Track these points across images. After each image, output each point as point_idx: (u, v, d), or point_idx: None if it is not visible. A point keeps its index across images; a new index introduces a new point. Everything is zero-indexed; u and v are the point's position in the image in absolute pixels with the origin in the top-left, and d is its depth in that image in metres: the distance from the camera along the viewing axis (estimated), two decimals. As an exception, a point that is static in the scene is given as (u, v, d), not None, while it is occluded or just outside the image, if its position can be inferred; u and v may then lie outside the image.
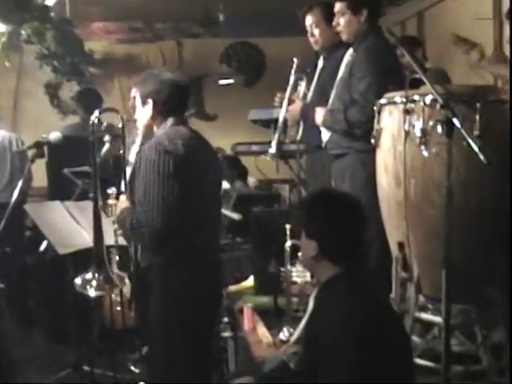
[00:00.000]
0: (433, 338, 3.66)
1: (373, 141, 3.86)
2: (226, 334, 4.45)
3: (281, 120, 4.91)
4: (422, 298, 3.77)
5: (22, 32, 6.31)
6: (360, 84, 4.27)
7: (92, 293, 3.57)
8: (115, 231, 3.63)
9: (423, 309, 3.78)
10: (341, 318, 2.58)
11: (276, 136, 4.94)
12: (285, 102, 4.87)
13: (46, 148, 5.19)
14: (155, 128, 3.47)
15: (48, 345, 5.46)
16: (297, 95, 4.96)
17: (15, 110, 8.79)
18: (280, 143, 5.86)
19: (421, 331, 3.79)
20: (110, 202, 3.59)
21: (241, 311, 4.75)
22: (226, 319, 4.55)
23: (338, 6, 4.43)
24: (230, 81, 9.22)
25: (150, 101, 3.44)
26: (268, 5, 7.94)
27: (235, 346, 4.42)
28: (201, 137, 3.50)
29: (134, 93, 3.54)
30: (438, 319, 3.56)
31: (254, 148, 7.40)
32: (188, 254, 3.35)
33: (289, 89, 4.93)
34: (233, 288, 5.41)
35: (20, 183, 4.50)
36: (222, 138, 8.58)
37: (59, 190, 5.54)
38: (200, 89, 9.33)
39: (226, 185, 7.23)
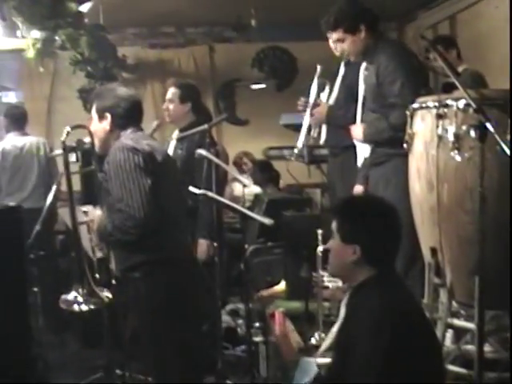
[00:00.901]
0: (465, 344, 3.63)
1: (405, 145, 3.84)
2: (258, 338, 4.46)
3: (305, 125, 4.92)
4: (454, 304, 3.74)
5: (57, 38, 6.37)
6: (393, 87, 4.26)
7: (83, 308, 3.58)
8: (93, 248, 3.70)
9: (455, 315, 3.76)
10: (373, 322, 2.58)
11: (301, 139, 4.93)
12: (309, 107, 4.87)
13: (79, 153, 5.23)
14: (112, 141, 3.56)
15: (80, 348, 5.51)
16: (320, 100, 4.96)
17: (49, 115, 8.88)
18: (310, 148, 5.87)
19: (453, 337, 3.76)
20: (85, 219, 3.66)
21: (272, 316, 4.75)
22: (257, 324, 4.56)
23: (335, 36, 4.46)
24: (262, 85, 9.23)
25: (108, 115, 3.56)
26: (299, 10, 7.93)
27: (266, 351, 4.43)
28: (154, 138, 3.72)
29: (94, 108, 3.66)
30: (470, 325, 3.53)
31: (286, 152, 7.39)
32: (170, 249, 3.46)
33: (313, 93, 4.93)
34: (264, 293, 5.41)
35: (54, 188, 4.54)
36: (253, 143, 8.61)
37: (92, 194, 5.57)
38: (232, 93, 9.36)
39: (257, 189, 7.24)
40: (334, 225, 2.83)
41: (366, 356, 2.54)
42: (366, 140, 4.48)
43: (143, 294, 3.46)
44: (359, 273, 2.76)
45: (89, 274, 3.55)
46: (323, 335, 4.24)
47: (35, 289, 4.49)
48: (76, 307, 3.54)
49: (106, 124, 3.57)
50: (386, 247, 2.80)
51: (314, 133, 4.98)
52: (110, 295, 3.63)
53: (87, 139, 3.99)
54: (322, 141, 4.90)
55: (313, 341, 4.33)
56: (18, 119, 6.70)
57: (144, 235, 3.33)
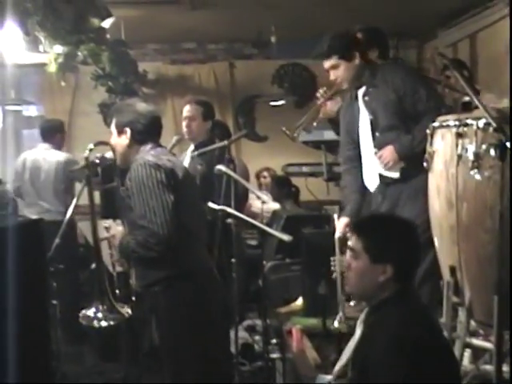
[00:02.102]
0: (484, 364, 3.61)
1: (425, 164, 3.85)
2: (275, 355, 4.45)
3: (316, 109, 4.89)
4: (472, 323, 3.73)
5: (79, 53, 6.43)
6: (419, 94, 4.34)
7: (103, 324, 3.60)
8: (113, 263, 3.73)
9: (474, 334, 3.74)
10: (393, 344, 2.56)
11: None
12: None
13: (99, 168, 5.27)
14: (132, 155, 3.60)
15: (98, 362, 5.53)
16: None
17: (70, 129, 8.93)
18: (329, 165, 5.88)
19: (471, 357, 3.74)
20: (106, 234, 3.69)
21: (289, 332, 4.75)
22: (274, 340, 4.56)
23: (329, 63, 4.55)
24: (282, 102, 9.25)
25: (128, 130, 3.59)
26: (319, 27, 7.96)
27: (283, 368, 4.42)
28: (175, 155, 3.75)
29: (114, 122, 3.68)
30: (489, 345, 3.51)
31: (305, 169, 7.41)
32: (190, 264, 3.48)
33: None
34: (282, 309, 5.41)
35: (74, 201, 4.57)
36: (272, 159, 8.61)
37: (112, 208, 5.61)
38: (252, 110, 9.38)
39: (275, 205, 7.24)
40: (358, 244, 2.77)
41: (386, 377, 2.53)
42: (403, 158, 4.45)
43: (163, 308, 3.48)
44: (382, 292, 2.74)
45: (109, 290, 3.56)
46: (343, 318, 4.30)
47: (54, 302, 4.51)
48: (96, 323, 3.56)
49: (125, 139, 3.61)
50: (414, 264, 2.80)
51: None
52: (129, 311, 3.65)
53: (109, 154, 4.04)
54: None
55: (335, 324, 4.35)
56: (43, 132, 6.81)
57: (166, 251, 3.35)
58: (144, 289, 3.59)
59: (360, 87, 4.59)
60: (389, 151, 4.45)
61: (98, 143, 3.66)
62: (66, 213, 6.23)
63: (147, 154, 3.52)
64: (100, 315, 3.55)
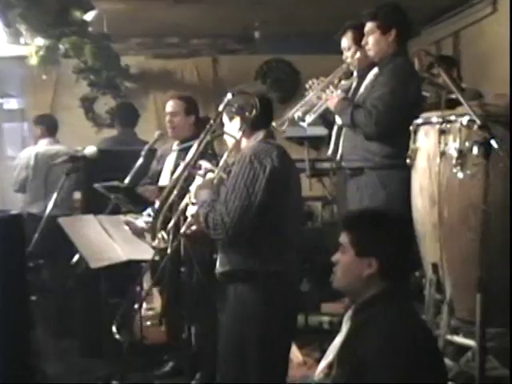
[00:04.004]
0: (466, 361, 3.61)
1: (408, 161, 3.84)
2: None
3: (305, 102, 4.85)
4: (453, 321, 3.73)
5: (60, 46, 6.37)
6: (375, 93, 4.35)
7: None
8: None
9: (456, 331, 3.74)
10: (388, 341, 2.55)
11: (331, 148, 4.88)
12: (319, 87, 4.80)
13: (81, 161, 5.23)
14: (244, 141, 3.46)
15: (79, 358, 5.48)
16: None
17: (51, 123, 8.86)
18: (312, 161, 5.86)
19: (454, 354, 3.74)
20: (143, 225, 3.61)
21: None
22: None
23: (367, 26, 4.50)
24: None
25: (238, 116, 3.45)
26: (303, 23, 7.96)
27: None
28: (286, 152, 3.48)
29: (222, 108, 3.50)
30: (471, 342, 3.51)
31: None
32: (273, 266, 3.31)
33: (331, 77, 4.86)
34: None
35: (54, 196, 4.53)
36: (255, 155, 8.58)
37: (93, 203, 5.58)
38: (235, 105, 9.33)
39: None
40: (344, 238, 2.78)
41: (381, 378, 2.51)
42: (338, 111, 4.54)
43: (233, 301, 3.38)
44: (369, 288, 2.73)
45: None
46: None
47: (33, 297, 4.47)
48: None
49: (236, 124, 3.45)
50: (400, 260, 2.78)
51: (310, 117, 4.89)
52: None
53: (88, 150, 4.00)
54: (338, 156, 4.81)
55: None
56: (49, 127, 6.80)
57: (229, 239, 3.29)
58: (221, 276, 3.49)
59: (371, 68, 4.59)
60: (338, 99, 4.53)
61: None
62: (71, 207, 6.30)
63: (258, 146, 3.38)
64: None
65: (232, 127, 3.48)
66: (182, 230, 3.50)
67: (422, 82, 4.83)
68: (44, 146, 6.73)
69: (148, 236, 3.53)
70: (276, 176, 3.27)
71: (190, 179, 3.46)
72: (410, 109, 4.21)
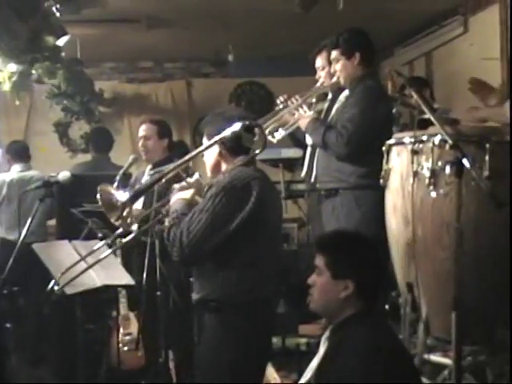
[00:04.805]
0: (443, 379, 3.61)
1: (381, 181, 3.86)
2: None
3: (277, 118, 4.88)
4: (429, 340, 3.73)
5: (33, 71, 6.35)
6: (345, 114, 4.42)
7: None
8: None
9: (432, 350, 3.74)
10: (361, 363, 2.55)
11: (305, 169, 4.90)
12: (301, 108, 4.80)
13: (54, 187, 5.21)
14: (224, 166, 3.39)
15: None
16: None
17: (25, 149, 8.80)
18: (287, 183, 5.87)
19: (431, 373, 3.74)
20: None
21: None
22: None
23: (332, 54, 4.62)
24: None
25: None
26: (276, 46, 8.00)
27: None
28: (267, 177, 3.44)
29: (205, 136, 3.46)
30: (447, 361, 3.52)
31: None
32: (244, 293, 3.26)
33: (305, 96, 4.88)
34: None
35: (28, 222, 4.50)
36: (230, 177, 8.57)
37: (67, 229, 5.54)
38: (209, 128, 9.34)
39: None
40: (320, 261, 2.79)
41: None
42: (308, 130, 4.62)
43: (207, 331, 3.33)
44: (345, 309, 2.75)
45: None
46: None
47: (8, 325, 4.43)
48: None
49: (215, 149, 3.37)
50: (376, 280, 2.79)
51: (280, 134, 4.90)
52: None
53: (62, 175, 3.98)
54: (312, 177, 4.81)
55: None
56: (17, 153, 6.79)
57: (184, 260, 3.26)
58: (195, 302, 3.43)
59: (343, 90, 4.65)
60: (310, 119, 4.60)
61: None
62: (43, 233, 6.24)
63: (237, 173, 3.30)
64: None
65: (211, 152, 3.41)
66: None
67: (395, 103, 4.87)
68: (16, 172, 6.68)
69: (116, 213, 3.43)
70: (250, 208, 3.21)
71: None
72: (381, 129, 4.27)
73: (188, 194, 3.40)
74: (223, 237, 3.20)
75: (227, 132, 3.26)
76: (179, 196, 3.40)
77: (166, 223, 3.32)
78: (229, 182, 3.24)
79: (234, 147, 3.35)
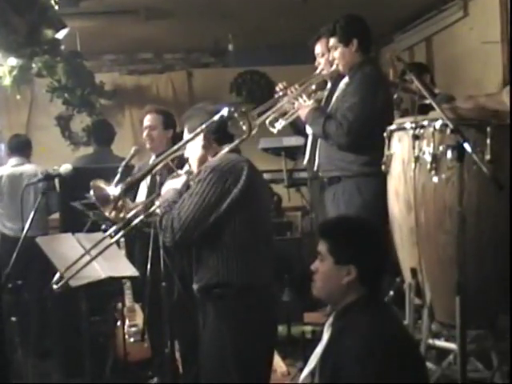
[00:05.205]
0: (448, 364, 3.61)
1: (383, 167, 3.86)
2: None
3: (276, 108, 4.85)
4: (433, 325, 3.74)
5: (33, 65, 6.35)
6: (345, 103, 4.37)
7: None
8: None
9: (437, 335, 3.75)
10: (363, 349, 2.55)
11: (306, 157, 4.88)
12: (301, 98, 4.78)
13: (57, 180, 5.21)
14: (209, 158, 3.42)
15: (62, 378, 5.44)
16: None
17: (27, 143, 8.81)
18: (290, 172, 5.86)
19: (436, 358, 3.75)
20: None
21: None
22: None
23: (330, 42, 4.57)
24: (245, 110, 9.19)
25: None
26: (276, 35, 7.98)
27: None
28: (252, 164, 3.43)
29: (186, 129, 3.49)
30: (452, 346, 3.52)
31: (265, 176, 7.37)
32: (244, 279, 3.28)
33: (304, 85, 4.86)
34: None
35: (31, 216, 4.50)
36: (232, 167, 8.57)
37: (71, 222, 5.54)
38: (210, 118, 9.34)
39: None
40: (323, 247, 2.79)
41: (358, 381, 2.51)
42: (308, 120, 4.58)
43: (212, 318, 3.35)
44: (348, 295, 2.74)
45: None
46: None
47: (13, 318, 4.43)
48: None
49: (199, 141, 3.40)
50: (379, 266, 2.80)
51: (280, 123, 4.88)
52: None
53: (63, 168, 3.98)
54: (315, 165, 4.80)
55: None
56: (16, 147, 6.74)
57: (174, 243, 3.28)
58: (197, 292, 3.45)
59: (343, 77, 4.61)
60: (309, 109, 4.56)
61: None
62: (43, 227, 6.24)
63: (221, 158, 3.35)
64: None
65: (195, 145, 3.44)
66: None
67: (396, 89, 4.86)
68: (10, 166, 6.66)
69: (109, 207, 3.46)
70: (241, 189, 3.25)
71: None
72: (381, 116, 4.24)
73: (179, 183, 3.42)
74: (214, 219, 3.23)
75: (213, 119, 3.28)
76: (170, 186, 3.43)
77: (158, 212, 3.35)
78: (217, 164, 3.28)
79: (218, 137, 3.41)
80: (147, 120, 5.11)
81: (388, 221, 3.95)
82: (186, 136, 3.47)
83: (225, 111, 3.28)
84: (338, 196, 4.37)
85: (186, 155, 3.51)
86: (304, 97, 4.70)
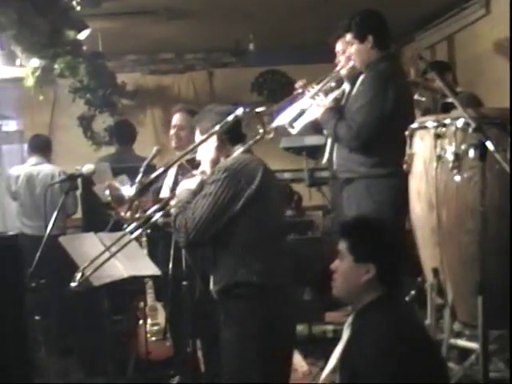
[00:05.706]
0: (470, 364, 3.60)
1: (405, 166, 3.84)
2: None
3: (297, 109, 4.81)
4: (455, 325, 3.72)
5: (56, 66, 6.39)
6: (355, 104, 4.35)
7: None
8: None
9: (459, 335, 3.73)
10: (381, 348, 2.55)
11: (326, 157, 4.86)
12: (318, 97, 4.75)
13: (79, 180, 5.24)
14: (222, 159, 3.44)
15: (85, 377, 5.48)
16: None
17: (50, 143, 8.88)
18: (311, 171, 5.84)
19: (458, 358, 3.73)
20: None
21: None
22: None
23: (347, 38, 4.52)
24: (262, 109, 9.20)
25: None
26: (297, 34, 7.98)
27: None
28: (265, 164, 3.45)
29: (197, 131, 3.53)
30: (474, 345, 3.51)
31: (286, 175, 7.38)
32: (261, 278, 3.27)
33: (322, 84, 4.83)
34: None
35: (54, 215, 4.53)
36: (253, 166, 8.58)
37: (93, 221, 5.58)
38: (232, 118, 9.36)
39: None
40: (343, 245, 2.81)
41: (376, 380, 2.52)
42: (323, 120, 4.54)
43: (235, 316, 3.33)
44: (368, 294, 2.76)
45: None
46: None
47: (37, 317, 4.47)
48: None
49: (212, 142, 3.44)
50: (397, 265, 2.80)
51: (299, 124, 4.86)
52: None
53: (86, 168, 4.01)
54: (334, 164, 4.78)
55: None
56: (36, 146, 6.80)
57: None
58: (216, 294, 3.46)
59: (359, 75, 4.56)
60: (324, 109, 4.52)
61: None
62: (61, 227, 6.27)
63: (234, 158, 3.37)
64: None
65: (208, 146, 3.47)
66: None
67: (417, 87, 4.83)
68: (28, 166, 6.71)
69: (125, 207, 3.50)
70: (252, 190, 3.26)
71: None
72: (392, 115, 4.20)
73: (193, 183, 3.43)
74: (228, 219, 3.25)
75: (227, 120, 3.31)
76: (184, 186, 3.44)
77: (173, 212, 3.36)
78: (230, 165, 3.30)
79: (232, 137, 3.43)
80: (176, 119, 5.08)
81: (406, 221, 3.95)
82: (198, 138, 3.49)
83: (239, 111, 3.30)
84: (350, 197, 4.37)
85: (198, 157, 3.54)
86: (321, 95, 4.68)
